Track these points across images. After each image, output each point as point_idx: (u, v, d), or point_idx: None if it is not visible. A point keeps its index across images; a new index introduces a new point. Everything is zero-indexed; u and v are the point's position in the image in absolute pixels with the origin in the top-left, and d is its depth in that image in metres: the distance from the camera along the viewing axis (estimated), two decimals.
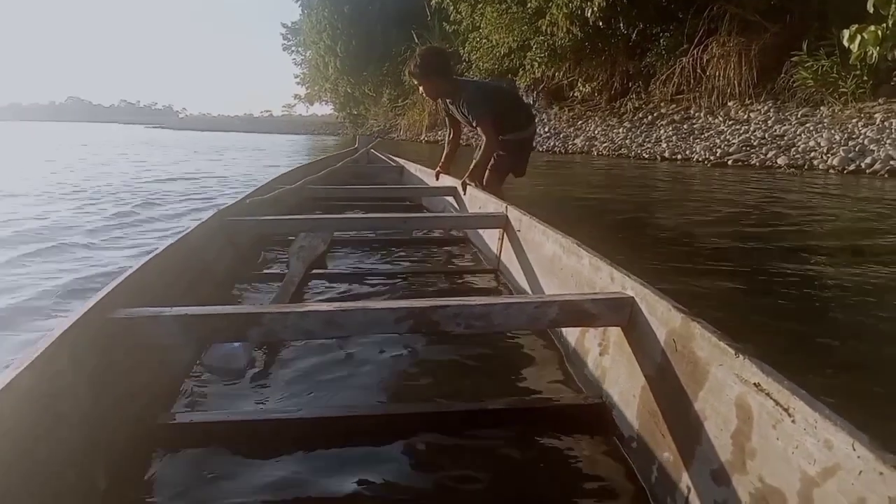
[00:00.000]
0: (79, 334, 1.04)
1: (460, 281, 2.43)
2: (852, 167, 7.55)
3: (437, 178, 3.94)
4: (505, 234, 2.50)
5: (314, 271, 2.41)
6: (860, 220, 4.29)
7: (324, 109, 49.05)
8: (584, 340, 1.50)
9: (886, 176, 6.99)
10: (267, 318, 1.17)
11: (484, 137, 3.46)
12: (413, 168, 5.04)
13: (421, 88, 3.62)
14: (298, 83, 44.81)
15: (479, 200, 3.10)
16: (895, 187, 6.31)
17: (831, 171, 7.71)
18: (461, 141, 4.11)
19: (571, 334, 1.58)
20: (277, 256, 2.72)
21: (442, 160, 4.02)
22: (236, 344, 1.48)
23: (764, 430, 0.80)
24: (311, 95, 43.37)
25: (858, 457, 0.64)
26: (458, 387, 1.45)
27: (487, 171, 3.59)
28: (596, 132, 13.75)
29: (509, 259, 2.39)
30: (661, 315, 1.13)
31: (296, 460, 1.10)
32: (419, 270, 2.63)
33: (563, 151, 13.32)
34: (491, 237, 2.69)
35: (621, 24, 13.43)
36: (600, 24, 13.03)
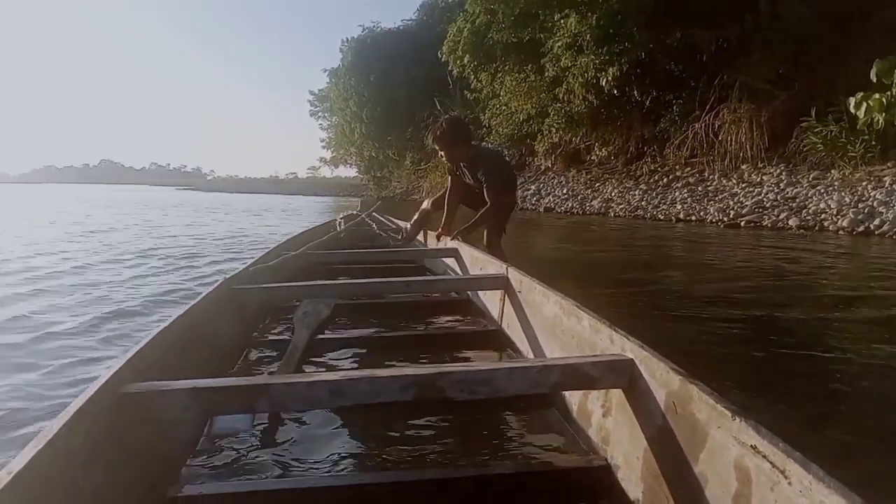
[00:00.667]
0: (92, 410, 1.06)
1: (463, 343, 2.43)
2: (861, 228, 7.78)
3: (439, 240, 4.07)
4: (506, 295, 2.52)
5: (319, 337, 2.43)
6: (876, 282, 4.50)
7: (348, 171, 50.50)
8: (587, 402, 1.51)
9: (895, 237, 7.21)
10: (274, 389, 1.20)
11: (489, 202, 3.85)
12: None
13: (442, 154, 3.95)
14: (324, 147, 46.38)
15: (479, 262, 3.17)
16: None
17: (841, 231, 7.94)
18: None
19: (574, 396, 1.60)
20: (282, 323, 2.75)
21: (443, 222, 4.17)
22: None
23: (762, 493, 0.82)
24: (337, 158, 44.84)
25: None
26: (463, 452, 1.47)
27: (490, 233, 4.02)
28: (613, 194, 14.16)
29: (511, 320, 2.40)
30: (661, 377, 1.15)
31: None
32: (423, 333, 2.65)
33: (580, 213, 13.71)
34: (492, 298, 2.73)
35: (635, 92, 13.99)
36: (615, 91, 13.64)
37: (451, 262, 3.74)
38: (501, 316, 2.55)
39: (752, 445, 0.85)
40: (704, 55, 12.83)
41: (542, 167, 18.55)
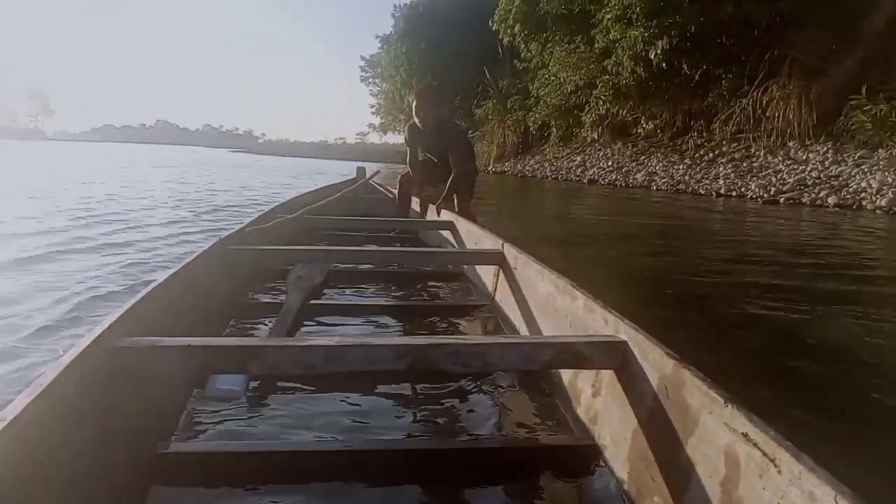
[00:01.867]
0: (86, 363, 1.07)
1: (456, 316, 2.45)
2: None
3: (439, 213, 4.03)
4: (501, 271, 2.54)
5: (311, 302, 2.43)
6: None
7: (397, 138, 51.00)
8: (577, 382, 1.53)
9: None
10: (268, 352, 1.21)
11: (461, 167, 4.03)
12: (413, 201, 4.95)
13: (422, 111, 3.98)
14: (374, 113, 47.06)
15: (475, 236, 3.17)
16: None
17: (878, 210, 8.09)
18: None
19: (564, 375, 1.61)
20: (276, 286, 2.74)
21: (444, 195, 4.08)
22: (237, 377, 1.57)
23: (751, 480, 0.83)
24: (386, 125, 45.48)
25: None
26: (452, 424, 1.50)
27: (460, 201, 4.12)
28: (657, 168, 14.32)
29: (504, 296, 2.43)
30: (654, 360, 1.16)
31: (290, 492, 1.15)
32: (415, 304, 2.69)
33: (623, 185, 13.96)
34: (487, 273, 2.74)
35: (685, 66, 13.98)
36: (663, 65, 13.69)
37: (446, 234, 3.74)
38: (495, 291, 2.57)
39: (743, 433, 0.87)
40: (756, 29, 12.74)
41: (589, 139, 18.69)
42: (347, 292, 2.83)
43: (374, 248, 3.23)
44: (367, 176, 5.92)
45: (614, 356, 1.28)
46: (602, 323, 1.43)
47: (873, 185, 8.88)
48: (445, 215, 3.88)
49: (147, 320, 1.40)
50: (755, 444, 0.83)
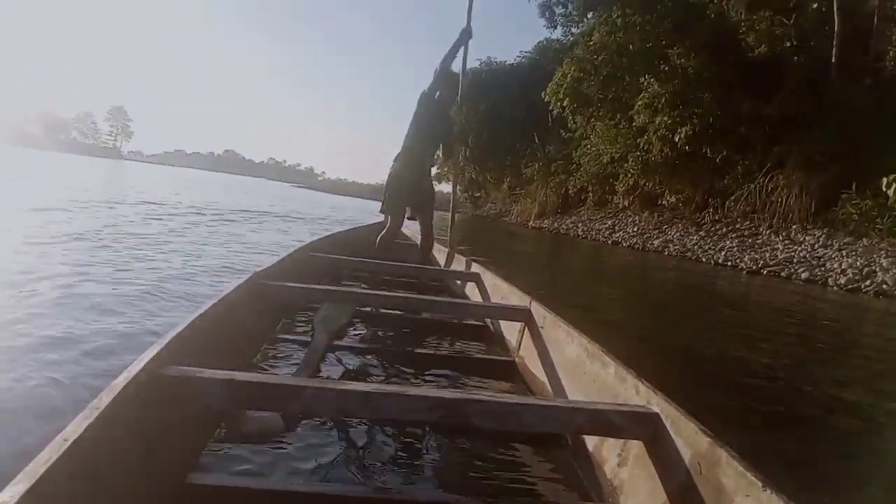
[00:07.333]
0: (136, 388, 1.11)
1: (480, 371, 2.44)
2: (852, 286, 9.48)
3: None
4: (527, 329, 2.53)
5: (336, 342, 2.46)
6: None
7: (447, 187, 53.50)
8: (603, 449, 1.51)
9: (871, 294, 8.94)
10: (308, 392, 1.23)
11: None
12: (438, 249, 5.01)
13: None
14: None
15: (500, 290, 3.23)
16: (870, 302, 8.33)
17: (836, 287, 9.66)
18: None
19: (590, 440, 1.59)
20: (303, 323, 2.75)
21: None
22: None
23: None
24: (440, 175, 48.11)
25: None
26: (472, 481, 1.50)
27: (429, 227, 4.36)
28: (674, 236, 16.05)
29: (529, 354, 2.41)
30: (687, 436, 1.17)
31: None
32: (439, 354, 2.67)
33: (640, 248, 15.76)
34: (512, 329, 2.75)
35: (707, 150, 15.81)
36: (687, 148, 15.57)
37: (471, 286, 3.84)
38: (520, 348, 2.57)
39: None
40: (768, 125, 14.53)
41: (620, 206, 20.52)
42: (372, 336, 2.91)
43: (401, 293, 3.26)
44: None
45: (645, 427, 1.29)
46: (633, 392, 1.45)
47: (842, 267, 10.44)
48: (472, 267, 4.05)
49: (188, 349, 1.43)
50: None
